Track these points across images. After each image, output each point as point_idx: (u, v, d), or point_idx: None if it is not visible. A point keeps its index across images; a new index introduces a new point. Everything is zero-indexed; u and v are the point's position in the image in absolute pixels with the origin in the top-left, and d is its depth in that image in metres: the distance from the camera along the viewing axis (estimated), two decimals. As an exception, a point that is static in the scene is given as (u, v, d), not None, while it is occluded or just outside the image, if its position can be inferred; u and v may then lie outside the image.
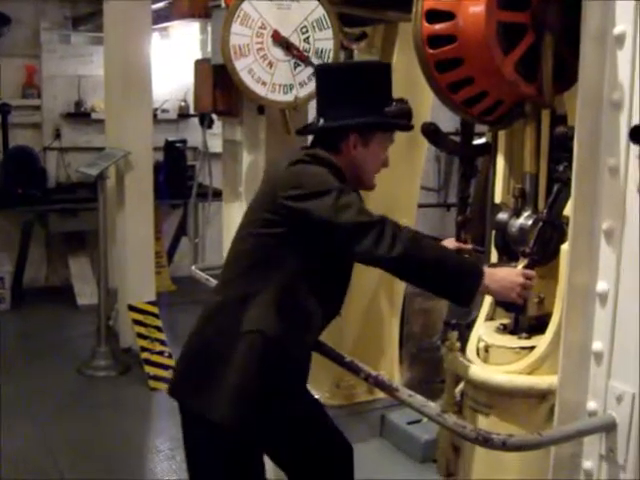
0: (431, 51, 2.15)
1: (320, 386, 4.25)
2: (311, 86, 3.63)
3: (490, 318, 2.50)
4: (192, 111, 6.57)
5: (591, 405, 1.91)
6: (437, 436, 2.66)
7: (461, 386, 2.45)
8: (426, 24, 2.15)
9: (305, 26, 3.78)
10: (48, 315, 6.46)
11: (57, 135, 7.03)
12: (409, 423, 4.12)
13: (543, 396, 2.20)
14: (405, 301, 4.74)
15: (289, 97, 3.77)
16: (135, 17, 5.34)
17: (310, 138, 2.49)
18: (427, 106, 4.19)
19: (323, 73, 2.49)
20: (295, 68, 3.77)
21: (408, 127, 2.46)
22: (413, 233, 2.13)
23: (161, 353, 5.18)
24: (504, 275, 2.16)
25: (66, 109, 7.05)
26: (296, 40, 3.76)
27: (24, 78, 6.93)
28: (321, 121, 2.36)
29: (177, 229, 7.51)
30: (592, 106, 1.85)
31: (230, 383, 2.19)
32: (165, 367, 5.08)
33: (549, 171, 2.35)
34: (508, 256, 2.40)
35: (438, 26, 2.13)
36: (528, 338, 2.34)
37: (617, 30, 1.79)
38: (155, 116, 6.51)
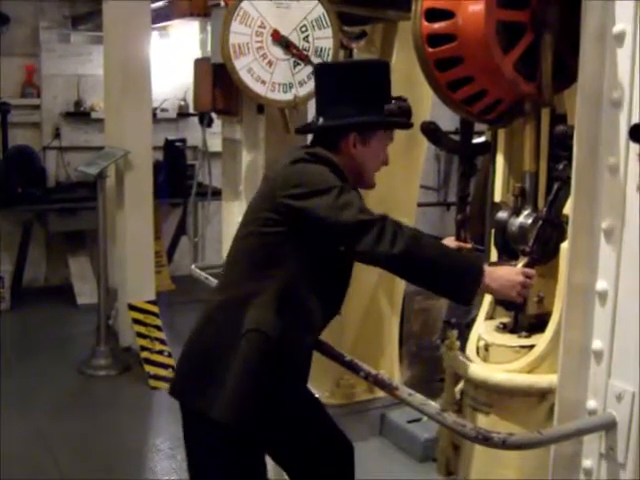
0: (431, 50, 2.15)
1: (320, 385, 4.24)
2: (310, 85, 3.63)
3: (490, 317, 2.50)
4: (192, 110, 6.58)
5: (591, 404, 1.91)
6: (437, 435, 2.66)
7: (461, 385, 2.45)
8: (425, 23, 2.15)
9: (304, 25, 3.77)
10: (48, 314, 6.46)
11: (57, 134, 7.02)
12: (409, 422, 4.13)
13: (543, 395, 2.21)
14: (405, 300, 4.74)
15: (288, 96, 3.77)
16: (134, 16, 5.34)
17: (310, 137, 2.49)
18: (427, 105, 4.19)
19: (322, 72, 2.48)
20: (295, 67, 3.77)
21: (407, 125, 2.46)
22: (414, 231, 2.13)
23: (161, 352, 5.18)
24: (504, 274, 2.16)
25: (65, 108, 7.04)
26: (296, 39, 3.75)
27: (23, 77, 6.93)
28: (320, 120, 2.36)
29: (177, 228, 7.51)
30: (592, 105, 1.85)
31: (231, 382, 2.18)
32: (165, 366, 5.08)
33: (549, 170, 2.35)
34: (508, 255, 2.40)
35: (438, 25, 2.13)
36: (528, 337, 2.35)
37: (617, 29, 1.79)
38: (155, 115, 6.51)
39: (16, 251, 6.79)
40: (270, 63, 3.74)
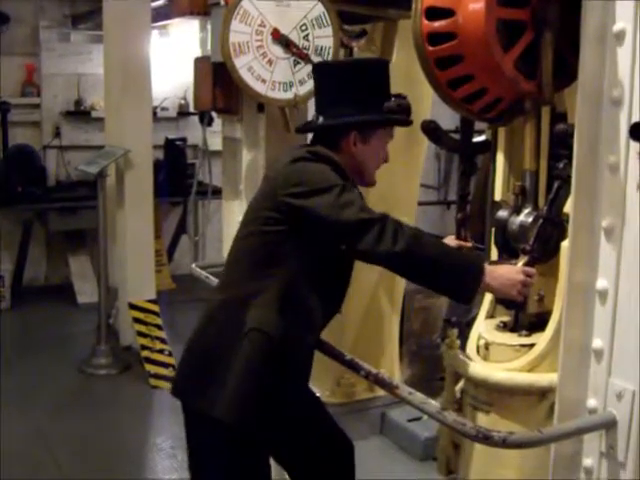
0: (431, 48, 2.15)
1: (321, 384, 4.25)
2: (311, 84, 3.62)
3: (490, 316, 2.50)
4: (192, 109, 6.58)
5: (591, 402, 1.91)
6: (437, 434, 2.66)
7: (461, 384, 2.45)
8: (426, 21, 2.15)
9: (305, 24, 3.77)
10: (48, 313, 6.46)
11: (57, 133, 7.02)
12: (409, 421, 4.13)
13: (543, 394, 2.21)
14: (405, 299, 4.74)
15: (289, 95, 3.77)
16: (134, 15, 5.33)
17: (310, 136, 2.49)
18: (427, 103, 4.19)
19: (321, 71, 2.47)
20: (295, 66, 3.77)
21: (407, 122, 2.45)
22: (414, 230, 2.13)
23: (161, 351, 5.18)
24: (504, 272, 2.16)
25: (66, 107, 7.04)
26: (296, 38, 3.75)
27: (24, 76, 6.93)
28: (320, 119, 2.36)
29: (177, 227, 7.51)
30: (592, 103, 1.85)
31: (233, 382, 2.18)
32: (165, 365, 5.08)
33: (549, 168, 2.35)
34: (508, 253, 2.40)
35: (438, 23, 2.13)
36: (528, 336, 2.35)
37: (617, 27, 1.79)
38: (155, 114, 6.50)
39: (16, 250, 6.79)
40: (270, 62, 3.74)
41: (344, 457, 2.54)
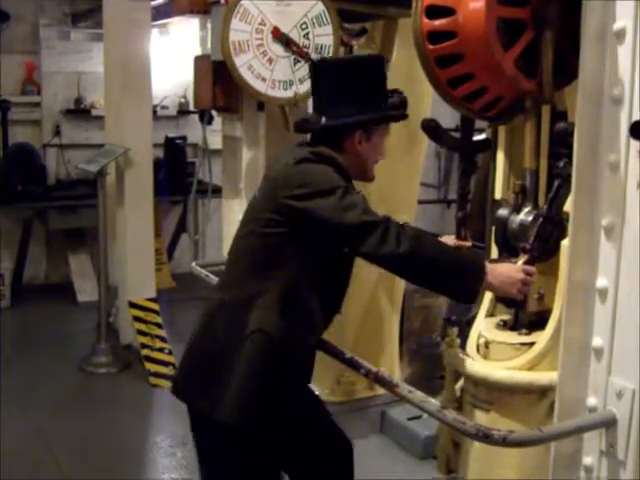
0: (431, 47, 2.15)
1: (320, 382, 4.25)
2: (311, 82, 3.63)
3: (490, 314, 2.50)
4: (192, 107, 6.56)
5: (591, 401, 1.91)
6: (437, 432, 2.66)
7: (461, 382, 2.45)
8: (426, 20, 2.15)
9: (305, 22, 3.77)
10: (48, 312, 6.46)
11: (57, 132, 7.01)
12: (409, 419, 4.13)
13: (543, 392, 2.21)
14: (405, 298, 4.74)
15: (289, 93, 3.77)
16: (134, 13, 5.32)
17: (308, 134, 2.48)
18: (427, 102, 4.19)
19: (321, 69, 2.43)
20: (295, 64, 3.77)
21: (406, 116, 2.45)
22: (416, 231, 2.13)
23: (161, 350, 5.18)
24: (504, 271, 2.16)
25: (66, 106, 7.03)
26: (296, 36, 3.75)
27: (24, 75, 6.92)
28: (323, 119, 2.33)
29: (177, 226, 7.51)
30: (592, 102, 1.85)
31: (235, 383, 2.19)
32: (165, 364, 5.08)
33: (549, 167, 2.35)
34: (508, 252, 2.40)
35: (438, 22, 2.13)
36: (528, 334, 2.35)
37: (617, 26, 1.79)
38: (155, 112, 6.49)
39: (16, 249, 6.79)
40: (270, 60, 3.74)
41: (343, 457, 2.54)
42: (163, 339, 5.25)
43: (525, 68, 2.15)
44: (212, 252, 6.24)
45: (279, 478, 2.45)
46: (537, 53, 2.15)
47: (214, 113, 4.67)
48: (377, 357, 4.54)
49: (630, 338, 1.81)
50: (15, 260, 6.79)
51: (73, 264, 6.95)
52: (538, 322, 2.34)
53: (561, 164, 2.23)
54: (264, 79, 3.74)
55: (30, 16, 6.87)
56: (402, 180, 4.51)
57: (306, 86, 3.75)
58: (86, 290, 6.72)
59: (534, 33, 2.14)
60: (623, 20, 1.78)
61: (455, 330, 2.48)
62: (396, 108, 2.38)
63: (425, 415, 3.41)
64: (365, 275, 4.21)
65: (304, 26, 3.77)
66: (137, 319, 5.34)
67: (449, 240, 2.58)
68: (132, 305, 5.40)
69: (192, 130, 7.22)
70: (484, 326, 2.44)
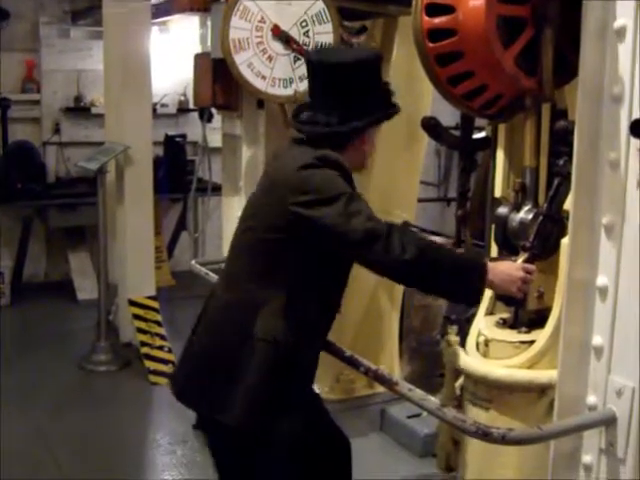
0: (431, 45, 2.15)
1: (320, 380, 4.22)
2: (311, 80, 3.63)
3: (490, 312, 2.50)
4: (192, 105, 6.56)
5: (591, 399, 1.91)
6: (437, 430, 2.66)
7: (461, 380, 2.45)
8: (426, 18, 2.15)
9: (305, 20, 3.77)
10: (48, 310, 6.46)
11: (56, 130, 7.01)
12: (409, 417, 4.13)
13: (543, 390, 2.21)
14: (405, 296, 4.74)
15: (289, 91, 3.77)
16: (134, 11, 5.32)
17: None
18: (427, 100, 4.19)
19: (322, 70, 2.34)
20: (295, 62, 3.77)
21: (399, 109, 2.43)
22: (418, 237, 2.12)
23: (161, 348, 5.18)
24: (504, 269, 2.16)
25: (65, 104, 7.03)
26: (296, 34, 3.75)
27: (23, 72, 6.91)
28: (333, 121, 2.28)
29: (177, 224, 7.50)
30: (592, 100, 1.85)
31: (246, 390, 2.20)
32: (165, 362, 5.08)
33: (549, 165, 2.35)
34: (508, 250, 2.40)
35: (438, 20, 2.13)
36: (528, 332, 2.35)
37: (617, 24, 1.79)
38: (154, 110, 6.49)
39: (16, 247, 6.78)
40: (270, 58, 3.74)
41: (342, 455, 2.54)
42: (163, 337, 5.25)
43: (525, 66, 2.15)
44: (212, 250, 6.23)
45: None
46: (537, 51, 2.15)
47: (214, 111, 4.66)
48: (377, 355, 4.54)
49: (630, 336, 1.81)
50: (15, 258, 6.78)
51: (73, 262, 6.94)
52: (538, 320, 2.34)
53: (561, 162, 2.22)
54: (264, 77, 3.74)
55: (30, 14, 6.86)
56: (402, 178, 4.50)
57: (306, 84, 3.73)
58: (86, 288, 6.72)
59: (534, 31, 2.14)
60: (623, 18, 1.78)
61: (455, 328, 2.48)
62: (393, 105, 2.37)
63: (425, 413, 3.41)
64: (365, 273, 4.16)
65: (304, 24, 3.77)
66: (137, 317, 5.34)
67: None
68: (132, 303, 5.40)
69: (192, 128, 7.21)
70: (484, 324, 2.44)
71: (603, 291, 1.87)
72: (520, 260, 2.24)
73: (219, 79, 4.04)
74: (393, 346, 4.77)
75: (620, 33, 1.79)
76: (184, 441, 4.21)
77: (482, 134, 2.84)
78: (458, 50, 2.12)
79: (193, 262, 3.39)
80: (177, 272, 7.09)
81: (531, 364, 2.25)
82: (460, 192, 2.86)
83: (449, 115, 3.22)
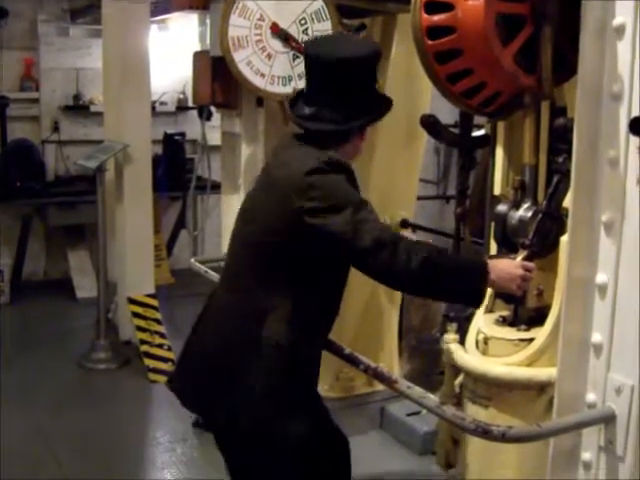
0: (430, 42, 2.15)
1: (320, 378, 4.23)
2: (310, 78, 3.62)
3: (489, 310, 2.50)
4: (191, 103, 6.56)
5: (590, 397, 1.91)
6: (436, 428, 2.66)
7: (460, 378, 2.45)
8: (425, 15, 2.15)
9: (304, 18, 3.77)
10: (47, 308, 6.46)
11: (55, 128, 7.00)
12: (408, 415, 4.13)
13: (542, 388, 2.21)
14: (404, 294, 4.74)
15: (288, 89, 3.77)
16: (133, 9, 5.32)
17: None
18: (426, 98, 4.19)
19: (321, 67, 2.29)
20: (294, 60, 3.77)
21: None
22: (423, 246, 2.10)
23: (160, 346, 5.18)
24: (504, 267, 2.16)
25: (64, 102, 7.02)
26: (295, 32, 3.75)
27: (22, 71, 6.90)
28: (335, 117, 2.25)
29: (176, 222, 7.50)
30: (592, 98, 1.85)
31: (255, 395, 2.21)
32: (165, 360, 5.08)
33: (549, 163, 2.35)
34: (507, 248, 2.40)
35: (437, 17, 2.13)
36: (527, 330, 2.35)
37: (617, 22, 1.79)
38: (154, 109, 6.49)
39: (15, 245, 6.78)
40: (269, 56, 3.74)
41: (343, 454, 2.54)
42: (162, 335, 5.25)
43: (524, 64, 2.14)
44: (211, 248, 6.23)
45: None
46: (536, 49, 2.15)
47: (213, 109, 4.66)
48: (376, 353, 4.54)
49: (629, 334, 1.81)
50: (14, 256, 6.78)
51: (72, 260, 6.94)
52: (537, 318, 2.34)
53: (560, 160, 2.22)
54: (263, 75, 3.73)
55: (29, 12, 6.85)
56: (401, 176, 4.50)
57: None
58: (85, 286, 6.72)
59: (533, 29, 2.14)
60: (622, 16, 1.78)
61: (454, 326, 2.48)
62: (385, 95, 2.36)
63: (424, 411, 3.41)
64: (364, 271, 4.21)
65: (303, 22, 3.76)
66: (136, 315, 5.34)
67: None
68: (131, 301, 5.40)
69: (191, 126, 7.21)
70: (483, 322, 2.44)
71: (602, 289, 1.87)
72: (519, 258, 2.24)
73: (218, 77, 4.04)
74: (392, 344, 4.77)
75: (619, 31, 1.79)
76: (184, 439, 4.22)
77: (481, 132, 2.84)
78: (457, 48, 2.12)
79: (192, 260, 3.39)
80: (176, 270, 7.09)
81: (530, 362, 2.25)
82: (459, 190, 2.86)
83: (448, 113, 3.22)
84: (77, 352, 5.34)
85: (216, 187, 5.11)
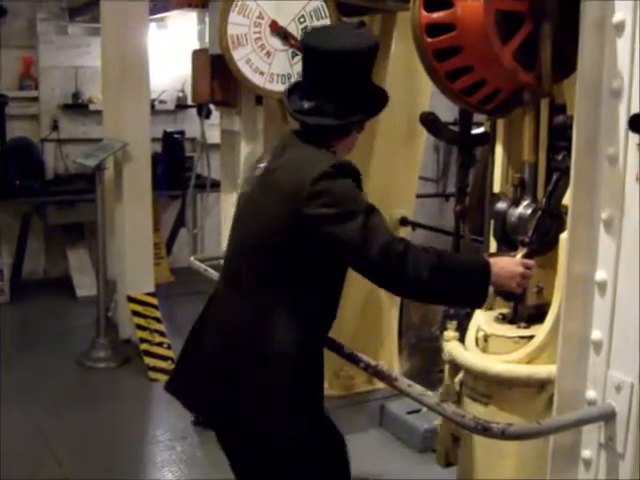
0: (429, 39, 2.14)
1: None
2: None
3: (489, 308, 2.50)
4: (190, 102, 6.56)
5: (590, 394, 1.91)
6: (436, 426, 2.66)
7: (460, 376, 2.45)
8: (424, 12, 2.14)
9: (303, 16, 3.77)
10: (47, 307, 6.46)
11: (55, 126, 7.00)
12: (408, 413, 4.13)
13: (542, 385, 2.21)
14: (404, 291, 4.74)
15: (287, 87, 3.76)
16: (132, 7, 5.31)
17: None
18: (426, 95, 4.19)
19: (320, 59, 2.25)
20: (293, 58, 3.76)
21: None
22: (431, 254, 2.09)
23: (160, 344, 5.19)
24: (504, 265, 2.16)
25: (63, 100, 7.01)
26: (294, 30, 3.74)
27: (21, 69, 6.90)
28: (338, 111, 2.22)
29: (175, 220, 7.50)
30: (591, 95, 1.85)
31: (265, 400, 2.21)
32: (164, 358, 5.08)
33: (548, 160, 2.34)
34: (507, 245, 2.40)
35: (436, 14, 2.12)
36: (527, 327, 2.35)
37: (616, 18, 1.79)
38: (153, 107, 6.49)
39: (15, 244, 6.78)
40: (268, 54, 3.73)
41: (343, 453, 2.54)
42: (162, 333, 5.26)
43: (524, 61, 2.14)
44: (211, 246, 6.24)
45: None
46: (536, 46, 2.15)
47: (212, 107, 4.66)
48: (376, 351, 4.55)
49: (629, 331, 1.81)
50: (14, 255, 6.79)
51: (72, 259, 6.94)
52: (537, 315, 2.34)
53: (560, 157, 2.22)
54: (262, 73, 3.73)
55: (27, 11, 6.85)
56: (401, 174, 4.50)
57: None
58: (85, 285, 6.72)
59: (533, 26, 2.14)
60: (622, 12, 1.78)
61: (454, 323, 2.48)
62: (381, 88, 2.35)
63: (424, 409, 3.41)
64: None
65: (302, 20, 3.76)
66: (136, 314, 5.34)
67: None
68: (131, 300, 5.40)
69: (190, 124, 7.21)
70: (483, 319, 2.44)
71: (602, 286, 1.87)
72: (519, 255, 2.24)
73: (217, 75, 4.04)
74: (392, 342, 4.77)
75: (619, 28, 1.78)
76: (184, 437, 4.22)
77: (481, 129, 2.84)
78: (456, 45, 2.11)
79: (192, 258, 3.39)
80: (176, 268, 7.09)
81: (530, 359, 2.25)
82: (459, 187, 2.86)
83: (447, 110, 3.22)
84: (77, 351, 5.34)
85: (215, 185, 5.11)
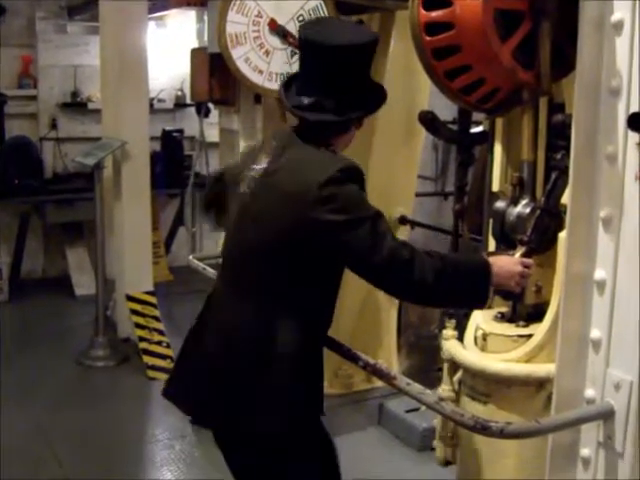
0: (428, 38, 2.14)
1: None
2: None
3: (488, 306, 2.50)
4: (189, 100, 6.55)
5: (589, 393, 1.91)
6: (435, 424, 2.66)
7: (459, 374, 2.45)
8: (423, 11, 2.14)
9: (302, 14, 3.76)
10: (46, 306, 6.46)
11: (53, 125, 6.99)
12: (407, 411, 4.13)
13: (541, 384, 2.21)
14: (403, 290, 4.74)
15: (286, 86, 3.76)
16: (131, 6, 5.30)
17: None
18: (424, 94, 4.19)
19: (322, 52, 2.18)
20: (292, 56, 3.76)
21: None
22: (436, 259, 2.08)
23: (159, 343, 5.19)
24: (502, 264, 2.15)
25: (62, 99, 7.01)
26: (293, 28, 3.74)
27: (20, 68, 6.90)
28: (340, 107, 2.19)
29: (174, 219, 7.50)
30: (590, 93, 1.85)
31: (270, 404, 2.20)
32: (163, 357, 5.08)
33: (547, 159, 2.34)
34: (506, 244, 2.40)
35: (435, 13, 2.12)
36: (526, 326, 2.35)
37: (615, 17, 1.79)
38: (151, 106, 6.48)
39: (14, 243, 6.78)
40: (267, 52, 3.73)
41: (333, 456, 2.53)
42: (161, 332, 5.26)
43: (522, 59, 2.14)
44: (209, 245, 6.23)
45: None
46: (534, 44, 2.15)
47: (211, 106, 4.66)
48: (375, 349, 4.55)
49: (628, 330, 1.81)
50: (12, 254, 6.78)
51: (70, 258, 6.94)
52: (536, 314, 2.35)
53: (559, 156, 2.22)
54: (261, 71, 3.73)
55: (26, 9, 6.84)
56: (399, 173, 4.50)
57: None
58: (84, 284, 6.72)
59: (531, 24, 2.14)
60: (621, 11, 1.78)
61: (453, 322, 2.48)
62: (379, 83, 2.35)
63: (423, 407, 3.41)
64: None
65: (301, 18, 3.76)
66: (135, 312, 5.34)
67: None
68: (130, 298, 5.40)
69: (189, 123, 7.20)
70: (482, 318, 2.44)
71: (601, 284, 1.87)
72: (518, 254, 2.24)
73: (216, 74, 4.04)
74: (391, 340, 4.77)
75: (617, 26, 1.78)
76: (182, 436, 4.22)
77: (479, 128, 2.84)
78: (455, 44, 2.11)
79: (191, 257, 3.38)
80: (175, 267, 7.09)
81: (529, 358, 2.25)
82: (458, 186, 2.86)
83: (446, 109, 3.22)
84: (76, 349, 5.34)
85: (214, 184, 5.10)
